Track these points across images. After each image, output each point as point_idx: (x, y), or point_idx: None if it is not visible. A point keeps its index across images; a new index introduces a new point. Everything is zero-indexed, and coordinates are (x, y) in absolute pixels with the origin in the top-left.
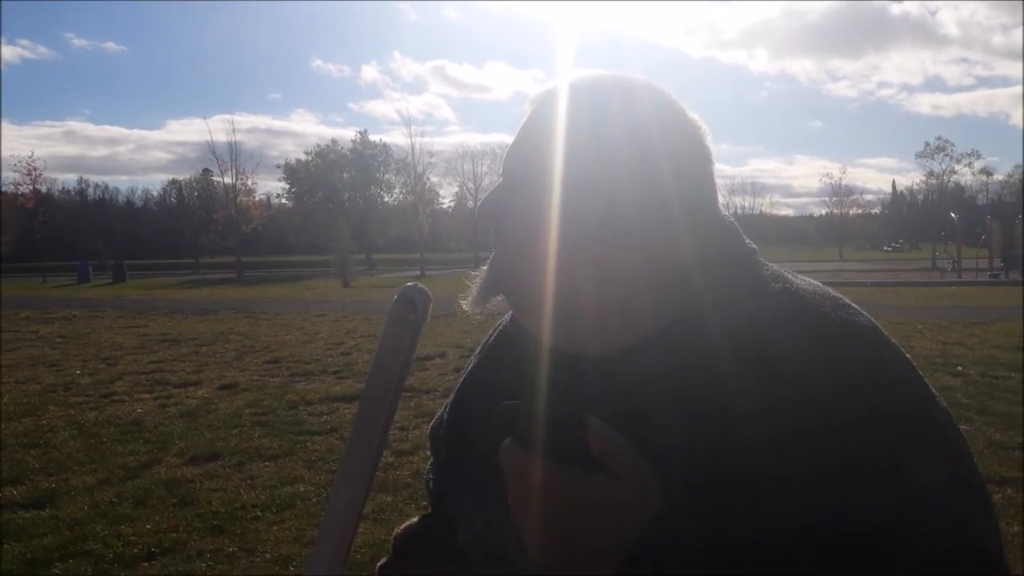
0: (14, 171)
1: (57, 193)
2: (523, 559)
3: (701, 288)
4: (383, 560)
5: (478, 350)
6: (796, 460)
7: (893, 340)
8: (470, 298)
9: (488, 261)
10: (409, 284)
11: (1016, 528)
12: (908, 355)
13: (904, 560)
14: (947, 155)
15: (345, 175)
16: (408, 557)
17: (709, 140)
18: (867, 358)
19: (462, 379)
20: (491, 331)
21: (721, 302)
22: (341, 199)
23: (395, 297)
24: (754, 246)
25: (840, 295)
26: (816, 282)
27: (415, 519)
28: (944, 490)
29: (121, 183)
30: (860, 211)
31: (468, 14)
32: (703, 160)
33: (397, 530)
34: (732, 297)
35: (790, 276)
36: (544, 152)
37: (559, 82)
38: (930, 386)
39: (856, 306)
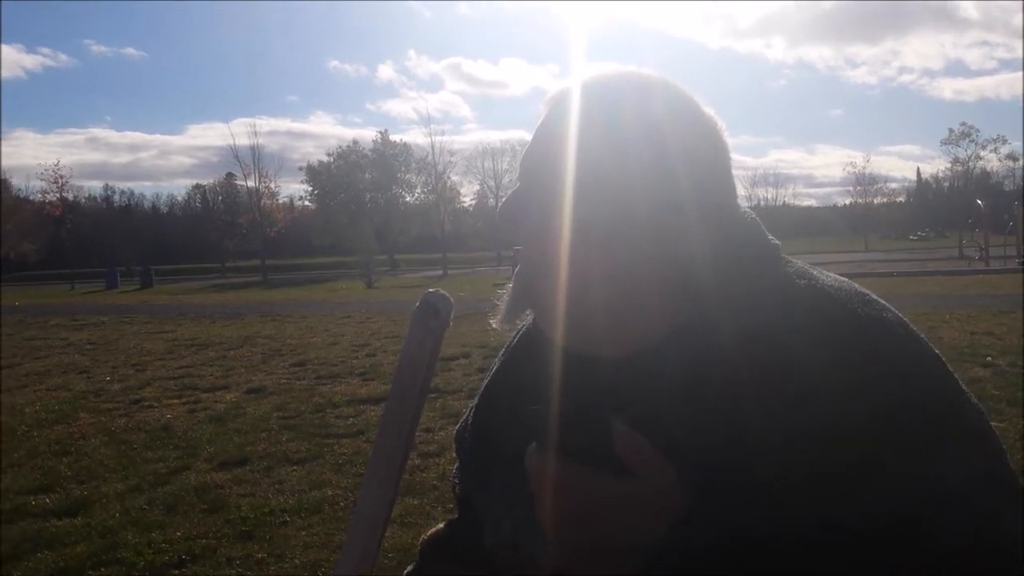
0: (41, 179)
1: (84, 200)
2: (550, 562)
3: (717, 288)
4: (410, 567)
5: (502, 352)
6: (814, 460)
7: (921, 335)
8: (499, 316)
9: (514, 276)
10: (431, 291)
11: None
12: (936, 350)
13: (930, 557)
14: (972, 141)
15: (367, 176)
16: (435, 562)
17: (725, 135)
18: (893, 355)
19: (486, 381)
20: (515, 332)
21: (738, 301)
22: (363, 200)
23: (417, 304)
24: (777, 242)
25: (867, 291)
26: (842, 277)
27: (442, 524)
28: (973, 486)
29: (146, 189)
30: (885, 200)
31: (482, 11)
32: (719, 156)
33: (424, 536)
34: (750, 296)
35: (815, 272)
36: (557, 154)
37: (573, 81)
38: (959, 381)
39: (883, 301)
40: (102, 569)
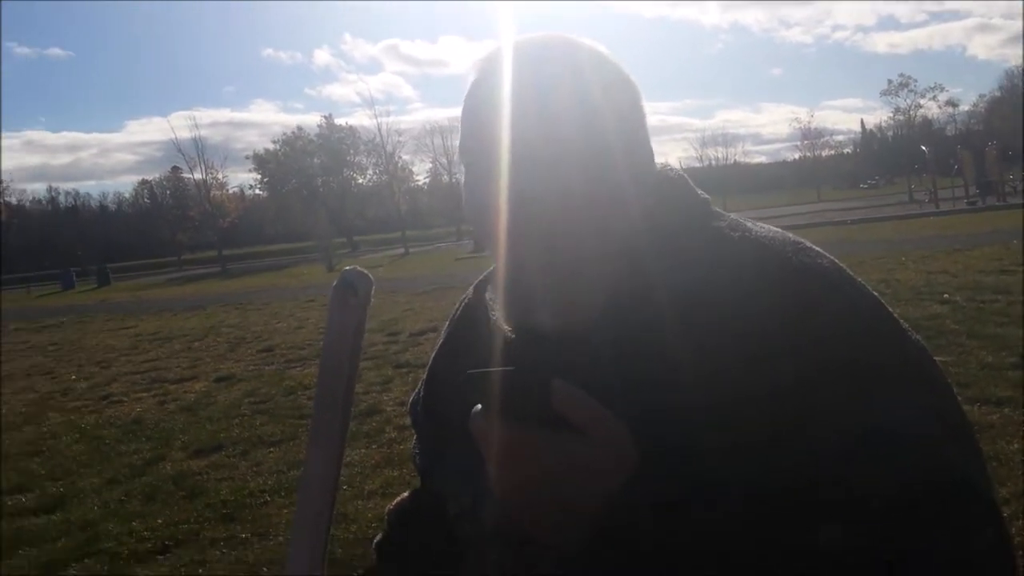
0: None
1: (28, 204)
2: (512, 528)
3: (650, 251)
4: (378, 536)
5: (446, 324)
6: (755, 415)
7: (858, 279)
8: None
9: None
10: (348, 268)
11: (1016, 446)
12: (875, 293)
13: (875, 495)
14: (911, 91)
15: (316, 161)
16: (403, 532)
17: (642, 99)
18: (829, 302)
19: (433, 354)
20: (457, 305)
21: (672, 263)
22: (315, 185)
23: (335, 283)
24: (706, 196)
25: (800, 238)
26: (775, 228)
27: (406, 494)
28: (917, 425)
29: (91, 188)
30: (832, 152)
31: None
32: (641, 119)
33: (390, 506)
34: (682, 255)
35: (748, 224)
36: (489, 126)
37: (500, 46)
38: (900, 322)
39: (817, 248)
40: (86, 561)
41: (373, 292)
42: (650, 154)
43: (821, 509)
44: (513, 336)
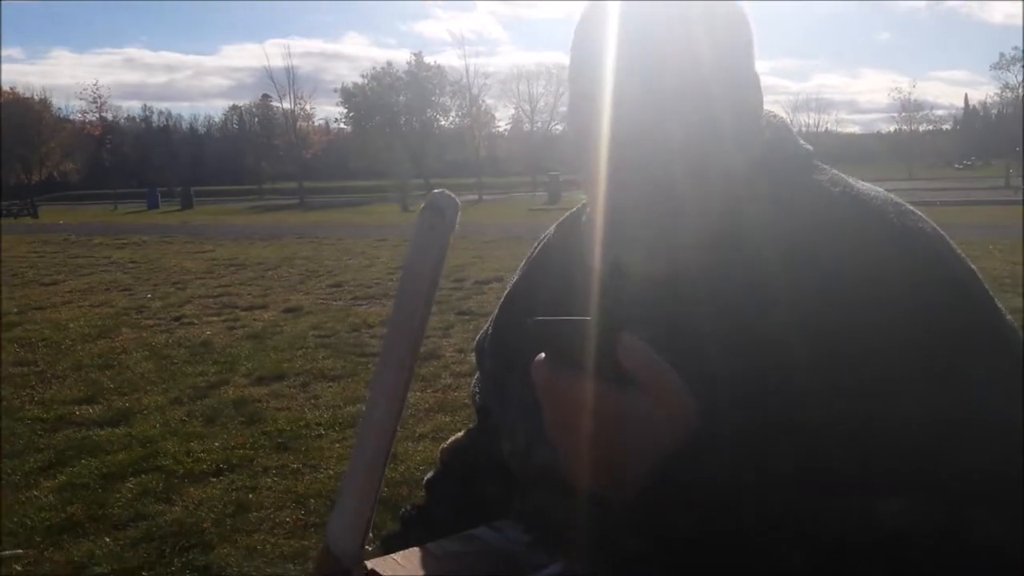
0: (80, 99)
1: (123, 121)
2: (561, 473)
3: (753, 198)
4: (430, 474)
5: (523, 263)
6: (847, 372)
7: (959, 250)
8: None
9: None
10: (436, 191)
11: None
12: (972, 265)
13: (950, 472)
14: None
15: (401, 99)
16: (455, 470)
17: (752, 33)
18: (932, 268)
19: (506, 293)
20: (536, 244)
21: (774, 211)
22: (398, 123)
23: (422, 206)
24: (809, 147)
25: (901, 200)
26: (876, 187)
27: (461, 433)
28: (1005, 407)
29: (183, 109)
30: (930, 127)
31: None
32: (749, 57)
33: (444, 444)
34: (785, 205)
35: (851, 180)
36: (595, 65)
37: None
38: (996, 300)
39: (921, 212)
40: (143, 475)
41: (459, 219)
42: (758, 97)
43: (890, 479)
44: (605, 278)
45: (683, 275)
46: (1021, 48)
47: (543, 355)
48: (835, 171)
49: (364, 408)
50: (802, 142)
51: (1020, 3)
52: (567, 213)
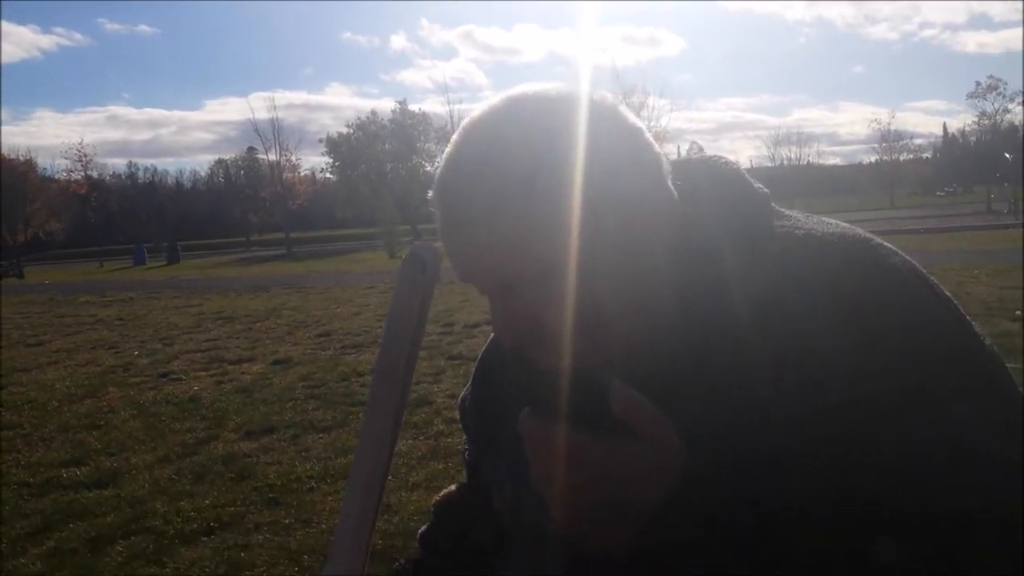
0: (65, 158)
1: (108, 178)
2: (552, 529)
3: (711, 263)
4: (424, 527)
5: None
6: (830, 424)
7: (931, 278)
8: None
9: None
10: (418, 243)
11: None
12: (948, 293)
13: (942, 511)
14: (999, 94)
15: (386, 146)
16: (448, 524)
17: (644, 135)
18: (903, 305)
19: (484, 349)
20: None
21: (737, 270)
22: (384, 171)
23: (404, 257)
24: (765, 191)
25: (870, 235)
26: (843, 224)
27: (453, 487)
28: (990, 437)
29: (168, 165)
30: (911, 156)
31: None
32: (646, 165)
33: (436, 497)
34: (747, 264)
35: (813, 222)
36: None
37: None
38: (973, 325)
39: (889, 245)
40: (132, 538)
41: (442, 269)
42: (662, 176)
43: (881, 521)
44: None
45: (658, 334)
46: (996, 77)
47: (529, 407)
48: (796, 213)
49: (352, 461)
50: (758, 186)
51: (991, 33)
52: None
